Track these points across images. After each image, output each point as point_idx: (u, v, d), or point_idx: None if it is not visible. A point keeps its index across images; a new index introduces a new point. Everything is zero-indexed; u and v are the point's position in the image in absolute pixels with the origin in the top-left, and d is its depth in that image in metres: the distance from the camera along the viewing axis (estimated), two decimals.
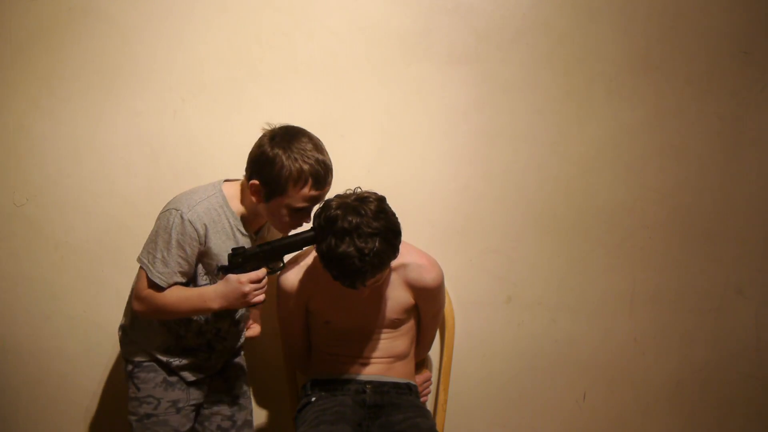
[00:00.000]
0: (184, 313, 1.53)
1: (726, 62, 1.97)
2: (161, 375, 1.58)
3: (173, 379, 1.59)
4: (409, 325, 1.72)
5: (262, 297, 1.49)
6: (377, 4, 1.90)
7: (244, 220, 1.56)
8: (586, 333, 2.00)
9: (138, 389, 1.58)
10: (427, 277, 1.65)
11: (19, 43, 1.85)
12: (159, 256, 1.48)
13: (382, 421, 1.60)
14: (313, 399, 1.65)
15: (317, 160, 1.48)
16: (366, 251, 1.42)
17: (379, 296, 1.65)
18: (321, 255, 1.48)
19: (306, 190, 1.47)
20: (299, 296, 1.66)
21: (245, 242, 1.56)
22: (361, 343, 1.68)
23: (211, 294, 1.48)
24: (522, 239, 1.97)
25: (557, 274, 1.99)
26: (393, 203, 1.92)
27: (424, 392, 1.83)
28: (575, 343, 2.00)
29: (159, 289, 1.49)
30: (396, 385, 1.68)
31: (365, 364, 1.68)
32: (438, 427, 1.67)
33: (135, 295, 1.53)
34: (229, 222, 1.53)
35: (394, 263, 1.59)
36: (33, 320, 1.92)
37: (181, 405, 1.58)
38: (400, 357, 1.71)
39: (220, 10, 1.88)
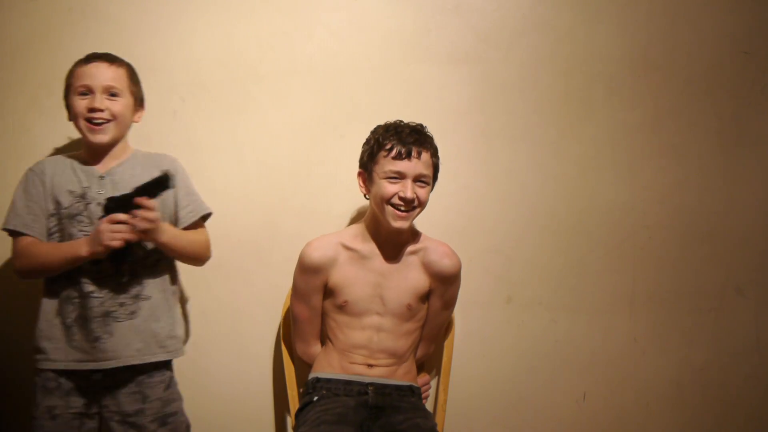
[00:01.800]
0: (57, 263, 1.53)
1: (726, 62, 1.97)
2: (42, 379, 1.57)
3: (52, 384, 1.56)
4: (415, 326, 1.72)
5: (116, 243, 1.47)
6: (377, 4, 1.91)
7: (87, 156, 1.63)
8: (586, 333, 2.00)
9: (34, 391, 1.59)
10: (447, 261, 1.69)
11: (19, 43, 1.85)
12: (11, 210, 1.58)
13: (383, 421, 1.61)
14: (315, 398, 1.65)
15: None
16: (413, 123, 1.65)
17: (398, 275, 1.68)
18: (375, 141, 1.63)
19: (77, 69, 1.58)
20: (321, 270, 1.66)
21: (88, 176, 1.60)
22: (371, 336, 1.67)
23: (81, 240, 1.53)
24: (522, 239, 1.97)
25: (557, 274, 1.99)
26: None
27: (423, 395, 1.83)
28: (575, 343, 2.00)
29: (26, 240, 1.55)
30: (398, 388, 1.69)
31: (370, 366, 1.68)
32: (438, 428, 1.67)
33: (13, 255, 1.57)
34: (69, 160, 1.62)
35: (415, 246, 1.70)
36: (33, 320, 1.91)
37: (57, 412, 1.55)
38: (403, 359, 1.71)
39: (220, 10, 1.88)
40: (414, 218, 1.64)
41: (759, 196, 2.01)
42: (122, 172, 1.61)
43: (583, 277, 1.99)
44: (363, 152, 1.67)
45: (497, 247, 1.97)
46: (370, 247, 1.68)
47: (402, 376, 1.71)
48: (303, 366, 1.95)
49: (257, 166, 1.92)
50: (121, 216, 1.48)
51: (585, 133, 1.96)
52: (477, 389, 2.00)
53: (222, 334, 1.95)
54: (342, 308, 1.68)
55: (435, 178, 1.68)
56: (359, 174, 1.69)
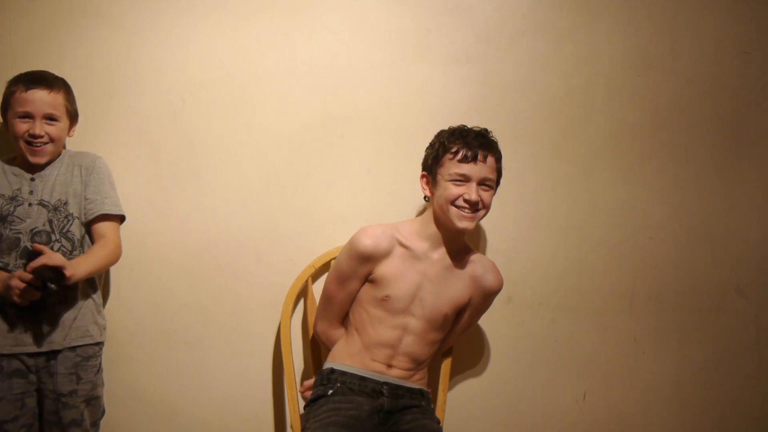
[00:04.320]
0: None
1: (726, 62, 1.97)
2: None
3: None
4: (441, 336, 1.74)
5: (15, 298, 1.57)
6: (377, 4, 1.91)
7: (22, 161, 1.73)
8: (586, 333, 2.00)
9: None
10: (491, 278, 1.73)
11: (19, 43, 1.85)
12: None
13: (392, 422, 1.63)
14: (330, 392, 1.65)
15: (26, 73, 1.70)
16: (477, 128, 1.66)
17: (444, 283, 1.69)
18: (440, 145, 1.64)
19: (18, 93, 1.65)
20: (371, 259, 1.65)
21: (20, 178, 1.71)
22: (399, 337, 1.68)
23: (2, 276, 1.63)
24: (522, 239, 1.97)
25: (557, 274, 1.99)
26: (392, 203, 1.93)
27: None
28: (575, 342, 2.00)
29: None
30: (410, 390, 1.70)
31: (390, 366, 1.68)
32: None
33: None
34: (1, 165, 1.74)
35: (467, 258, 1.72)
36: None
37: (1, 395, 1.65)
38: (420, 367, 1.73)
39: (220, 10, 1.88)
40: (478, 221, 1.65)
41: (759, 196, 2.01)
42: (49, 174, 1.72)
43: (583, 277, 1.99)
44: (427, 155, 1.69)
45: (497, 247, 1.97)
46: (424, 248, 1.68)
47: (416, 380, 1.73)
48: (304, 366, 1.95)
49: (257, 166, 1.92)
50: (26, 276, 1.55)
51: (585, 133, 1.96)
52: (477, 389, 2.00)
53: (222, 334, 1.95)
54: (382, 303, 1.67)
55: (498, 182, 1.68)
56: (422, 177, 1.70)
